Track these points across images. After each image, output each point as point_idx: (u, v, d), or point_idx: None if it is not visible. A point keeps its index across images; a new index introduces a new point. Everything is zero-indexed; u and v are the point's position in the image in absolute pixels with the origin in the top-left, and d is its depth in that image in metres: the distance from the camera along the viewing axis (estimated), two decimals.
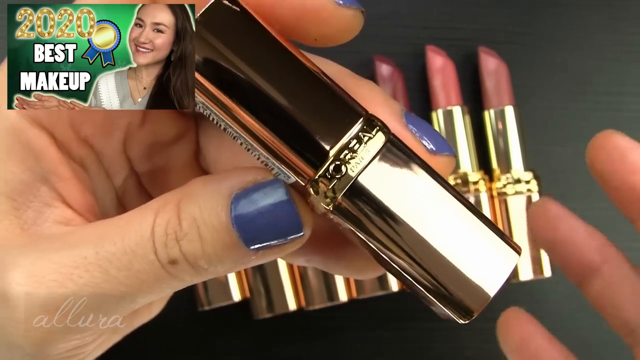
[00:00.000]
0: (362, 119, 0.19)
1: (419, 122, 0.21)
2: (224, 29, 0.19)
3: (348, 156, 0.19)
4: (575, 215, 0.29)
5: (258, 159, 0.20)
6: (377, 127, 0.19)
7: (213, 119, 0.19)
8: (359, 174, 0.19)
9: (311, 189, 0.19)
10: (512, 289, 0.40)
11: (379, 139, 0.19)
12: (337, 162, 0.19)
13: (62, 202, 0.22)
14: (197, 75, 0.19)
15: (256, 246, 0.20)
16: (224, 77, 0.19)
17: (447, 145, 0.21)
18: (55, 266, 0.20)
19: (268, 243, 0.20)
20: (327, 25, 0.20)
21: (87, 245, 0.20)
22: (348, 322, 0.41)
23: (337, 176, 0.19)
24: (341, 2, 0.20)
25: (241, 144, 0.20)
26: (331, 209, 0.19)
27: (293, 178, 0.20)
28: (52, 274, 0.20)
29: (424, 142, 0.21)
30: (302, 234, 0.20)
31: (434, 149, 0.21)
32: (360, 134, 0.19)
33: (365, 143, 0.19)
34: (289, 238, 0.20)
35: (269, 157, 0.19)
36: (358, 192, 0.19)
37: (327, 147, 0.19)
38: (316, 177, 0.19)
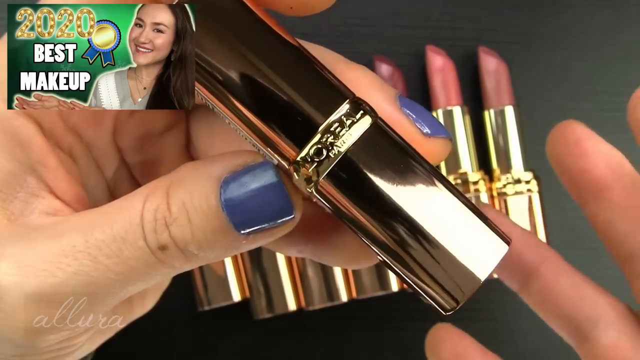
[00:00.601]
0: (347, 101, 0.19)
1: (414, 105, 0.21)
2: (205, 9, 0.19)
3: (330, 139, 0.19)
4: (510, 220, 0.30)
5: (245, 139, 0.20)
6: (363, 111, 0.19)
7: (202, 98, 0.19)
8: (340, 157, 0.19)
9: (294, 172, 0.19)
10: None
11: (363, 123, 0.19)
12: (319, 145, 0.19)
13: (49, 193, 0.22)
14: None
15: (246, 230, 0.20)
16: (209, 56, 0.19)
17: (442, 128, 0.21)
18: (44, 255, 0.20)
19: (258, 227, 0.20)
20: None
21: (76, 233, 0.20)
22: (348, 322, 0.41)
23: (316, 159, 0.19)
24: None
25: (228, 123, 0.20)
26: (313, 191, 0.19)
27: (276, 160, 0.19)
28: (41, 264, 0.20)
29: (418, 125, 0.21)
30: (292, 216, 0.20)
31: (429, 132, 0.21)
32: (343, 117, 0.19)
33: (349, 126, 0.19)
34: (279, 221, 0.20)
35: (252, 137, 0.19)
36: (339, 176, 0.19)
37: (309, 130, 0.19)
38: (297, 159, 0.19)
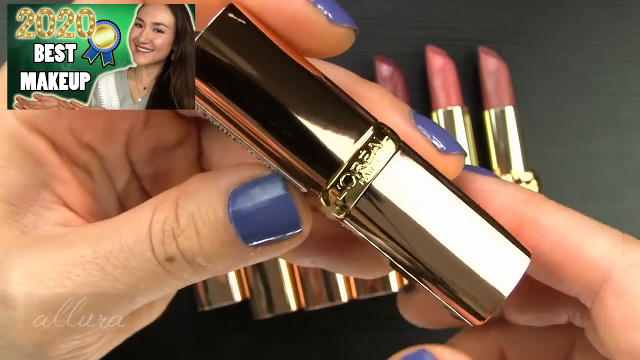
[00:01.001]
0: (371, 128, 0.19)
1: (428, 122, 0.21)
2: (229, 42, 0.19)
3: (358, 167, 0.19)
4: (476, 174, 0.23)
5: (269, 167, 0.20)
6: (387, 136, 0.19)
7: (223, 129, 0.19)
8: (370, 183, 0.19)
9: (322, 200, 0.19)
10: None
11: (388, 148, 0.19)
12: (348, 174, 0.19)
13: (62, 205, 0.22)
14: (206, 87, 0.19)
15: (254, 243, 0.20)
16: (232, 89, 0.19)
17: (456, 144, 0.21)
18: (53, 265, 0.20)
19: (266, 239, 0.20)
20: (317, 41, 0.20)
21: (85, 244, 0.20)
22: (348, 322, 0.41)
23: (347, 187, 0.19)
24: (333, 18, 0.20)
25: (251, 153, 0.20)
26: (342, 218, 0.19)
27: (304, 189, 0.20)
28: (50, 273, 0.20)
29: (434, 142, 0.21)
30: (300, 230, 0.20)
31: (444, 148, 0.21)
32: (369, 144, 0.19)
33: (375, 152, 0.19)
34: (287, 234, 0.20)
35: (279, 169, 0.19)
36: (369, 202, 0.19)
37: (337, 158, 0.19)
38: (327, 188, 0.19)
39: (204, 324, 0.40)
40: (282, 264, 0.39)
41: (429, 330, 0.37)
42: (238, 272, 0.39)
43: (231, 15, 0.19)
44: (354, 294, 0.39)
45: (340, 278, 0.39)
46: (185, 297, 0.39)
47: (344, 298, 0.39)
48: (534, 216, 0.21)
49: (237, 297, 0.39)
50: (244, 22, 0.19)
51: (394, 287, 0.39)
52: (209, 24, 0.18)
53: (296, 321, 0.40)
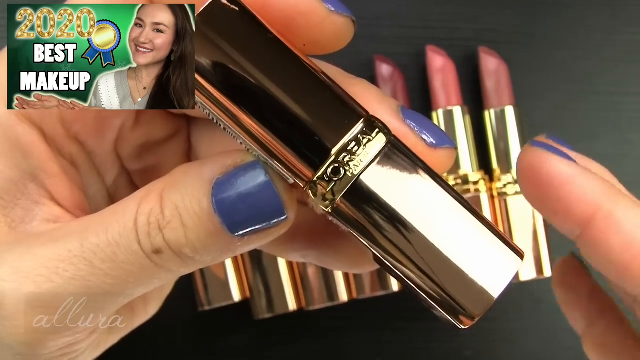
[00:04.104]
0: (362, 120, 0.19)
1: (417, 116, 0.21)
2: (222, 28, 0.19)
3: (347, 158, 0.19)
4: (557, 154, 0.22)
5: (259, 159, 0.20)
6: (378, 129, 0.19)
7: (213, 118, 0.19)
8: (358, 176, 0.19)
9: (309, 191, 0.19)
10: (513, 289, 0.40)
11: (379, 141, 0.19)
12: (336, 165, 0.19)
13: (50, 200, 0.22)
14: (196, 74, 0.19)
15: (240, 232, 0.20)
16: (223, 76, 0.19)
17: (446, 137, 0.21)
18: (41, 260, 0.20)
19: (252, 228, 0.20)
20: (318, 30, 0.20)
21: (72, 238, 0.20)
22: (348, 322, 0.41)
23: (334, 179, 0.19)
24: (333, 8, 0.20)
25: (241, 143, 0.20)
26: (329, 211, 0.19)
27: (292, 180, 0.19)
28: (38, 269, 0.20)
29: (423, 136, 0.21)
30: (285, 216, 0.20)
31: (434, 142, 0.21)
32: (359, 136, 0.19)
33: (365, 145, 0.19)
34: (272, 222, 0.20)
35: (267, 158, 0.19)
36: (357, 194, 0.19)
37: (325, 149, 0.19)
38: (314, 179, 0.19)
39: (204, 324, 0.40)
40: (282, 263, 0.39)
41: (429, 330, 0.37)
42: (238, 272, 0.39)
43: (224, 1, 0.19)
44: (354, 294, 0.39)
45: (340, 278, 0.39)
46: (185, 297, 0.39)
47: (344, 298, 0.39)
48: (609, 209, 0.21)
49: (237, 297, 0.39)
50: (237, 8, 0.19)
51: (394, 287, 0.39)
52: (201, 9, 0.18)
53: (296, 321, 0.40)
